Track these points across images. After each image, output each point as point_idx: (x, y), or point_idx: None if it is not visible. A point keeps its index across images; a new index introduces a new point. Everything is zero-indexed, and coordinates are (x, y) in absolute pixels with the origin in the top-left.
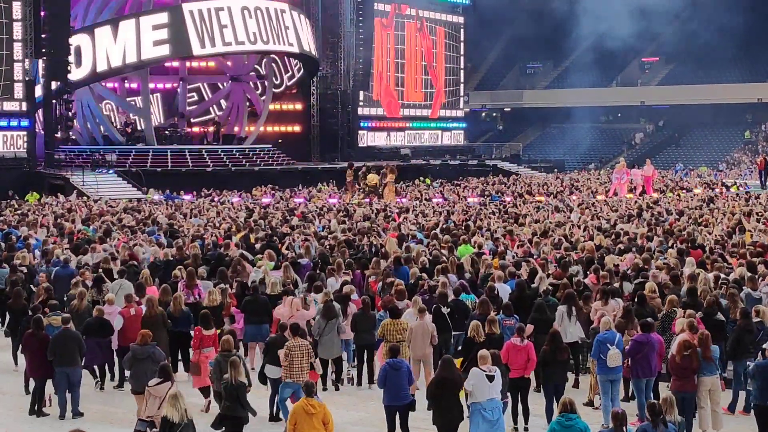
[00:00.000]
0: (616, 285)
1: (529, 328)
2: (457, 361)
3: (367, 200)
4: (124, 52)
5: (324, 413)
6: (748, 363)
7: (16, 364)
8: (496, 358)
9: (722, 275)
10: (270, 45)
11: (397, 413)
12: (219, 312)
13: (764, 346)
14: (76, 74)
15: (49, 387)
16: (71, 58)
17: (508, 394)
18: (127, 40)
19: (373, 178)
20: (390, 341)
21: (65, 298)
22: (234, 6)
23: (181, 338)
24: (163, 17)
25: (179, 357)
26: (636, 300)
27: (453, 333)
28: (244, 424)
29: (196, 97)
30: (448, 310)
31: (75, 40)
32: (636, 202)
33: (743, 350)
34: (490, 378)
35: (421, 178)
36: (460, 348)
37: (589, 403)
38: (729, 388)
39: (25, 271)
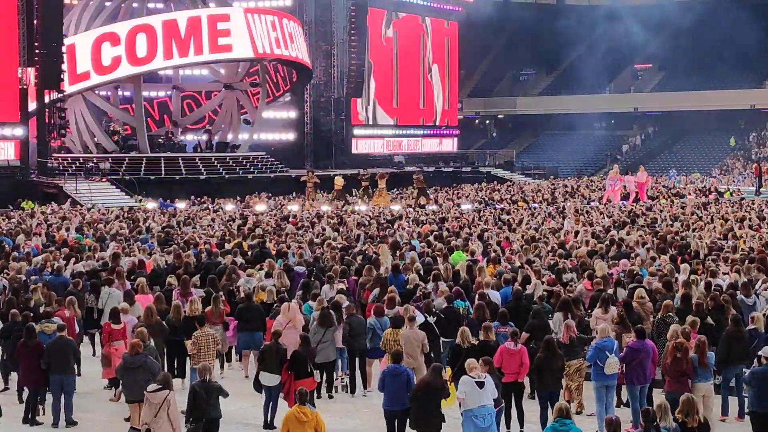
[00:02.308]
0: (610, 291)
1: (524, 336)
2: (448, 369)
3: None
4: (118, 60)
5: (316, 421)
6: (744, 369)
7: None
8: (488, 364)
9: (714, 281)
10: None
11: (396, 422)
12: (201, 321)
13: (759, 353)
14: (69, 82)
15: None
16: (64, 67)
17: (503, 399)
18: (119, 49)
19: (339, 180)
20: (392, 350)
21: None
22: (227, 13)
23: (178, 347)
24: (157, 26)
25: (175, 366)
26: (623, 307)
27: (445, 340)
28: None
29: (189, 105)
30: (435, 318)
31: (68, 49)
32: (630, 208)
33: (734, 357)
34: (480, 384)
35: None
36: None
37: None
38: (717, 394)
39: (24, 279)
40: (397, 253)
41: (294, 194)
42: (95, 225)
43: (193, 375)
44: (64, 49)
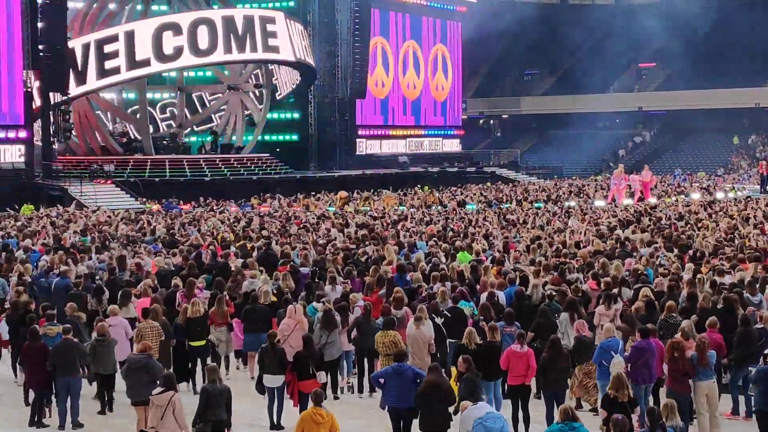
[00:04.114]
0: (615, 291)
1: (529, 335)
2: (453, 370)
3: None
4: (121, 62)
5: (332, 423)
6: (750, 368)
7: (15, 376)
8: (467, 362)
9: (720, 280)
10: (266, 54)
11: (401, 420)
12: (203, 323)
13: (766, 351)
14: (73, 85)
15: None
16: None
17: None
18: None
19: (342, 194)
20: (383, 353)
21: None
22: (230, 15)
23: (184, 349)
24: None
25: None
26: (645, 306)
27: (450, 341)
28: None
29: (193, 107)
30: (442, 320)
31: (72, 51)
32: (634, 207)
33: (747, 357)
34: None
35: (419, 186)
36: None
37: (578, 405)
38: (725, 393)
39: (29, 281)
40: (403, 254)
41: (298, 194)
42: (100, 227)
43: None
44: (68, 51)
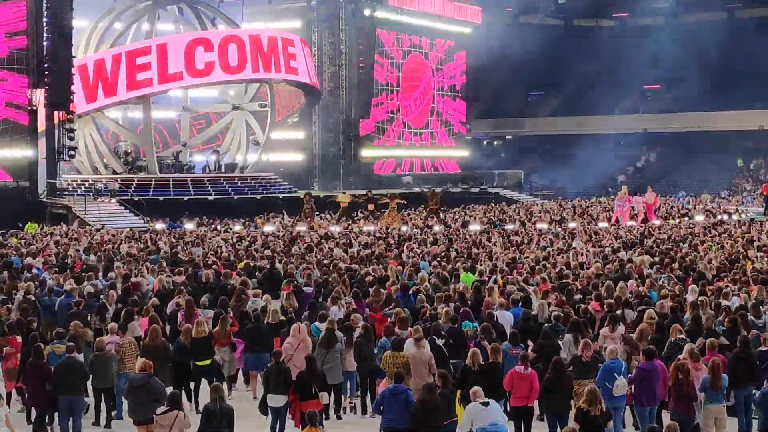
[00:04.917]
0: (619, 312)
1: (532, 355)
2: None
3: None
4: (125, 81)
5: None
6: (754, 391)
7: (18, 394)
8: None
9: (724, 302)
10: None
11: None
12: (208, 342)
13: None
14: (78, 103)
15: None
16: (74, 88)
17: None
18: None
19: (344, 198)
20: (390, 372)
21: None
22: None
23: (187, 369)
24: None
25: (190, 388)
26: (655, 328)
27: (452, 361)
28: None
29: (198, 126)
30: (443, 341)
31: (77, 70)
32: (638, 229)
33: (744, 378)
34: (485, 404)
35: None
36: (458, 376)
37: None
38: (732, 416)
39: (32, 299)
40: (406, 274)
41: (302, 214)
42: (104, 246)
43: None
44: (73, 70)
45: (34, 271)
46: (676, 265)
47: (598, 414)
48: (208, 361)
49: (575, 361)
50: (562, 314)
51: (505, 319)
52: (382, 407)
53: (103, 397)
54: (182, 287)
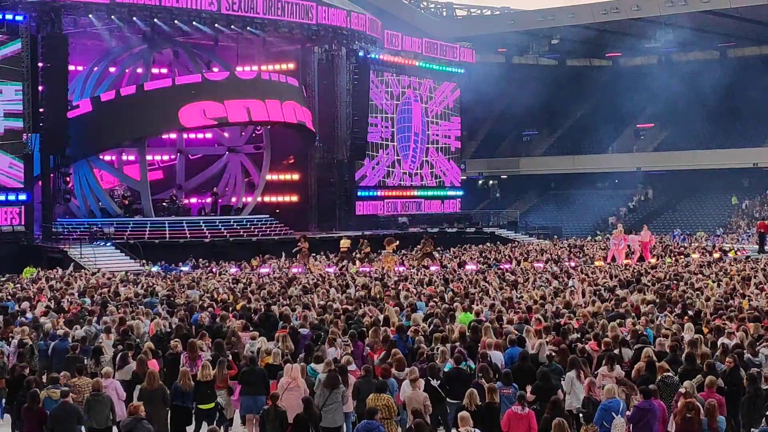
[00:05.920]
0: (616, 351)
1: (530, 397)
2: None
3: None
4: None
5: None
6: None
7: None
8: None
9: (720, 340)
10: (266, 116)
11: None
12: (212, 385)
13: None
14: (73, 147)
15: None
16: (69, 132)
17: None
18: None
19: (345, 242)
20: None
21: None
22: (231, 75)
23: (186, 413)
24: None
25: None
26: (646, 367)
27: (452, 401)
28: None
29: (193, 169)
30: (438, 382)
31: (73, 114)
32: (634, 268)
33: (757, 416)
34: None
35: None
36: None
37: None
38: None
39: (29, 344)
40: (403, 314)
41: (297, 257)
42: (99, 289)
43: None
44: (69, 114)
45: (28, 315)
46: (673, 304)
47: None
48: (211, 405)
49: (587, 405)
50: (555, 353)
51: (496, 359)
52: None
53: None
54: (177, 330)
